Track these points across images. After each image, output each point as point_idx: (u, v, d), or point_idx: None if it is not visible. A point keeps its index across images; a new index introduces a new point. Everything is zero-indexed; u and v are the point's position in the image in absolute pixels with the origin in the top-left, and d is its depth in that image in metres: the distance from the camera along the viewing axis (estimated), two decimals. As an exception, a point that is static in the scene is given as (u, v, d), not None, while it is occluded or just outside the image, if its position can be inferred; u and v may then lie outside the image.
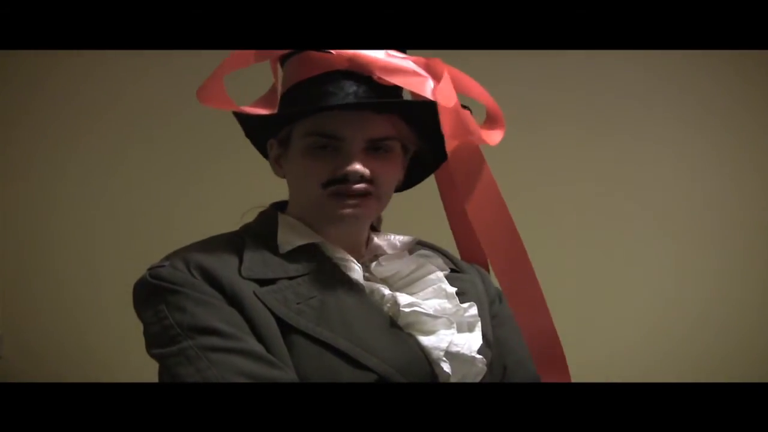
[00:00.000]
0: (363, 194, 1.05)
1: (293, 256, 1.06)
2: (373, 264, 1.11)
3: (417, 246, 1.20)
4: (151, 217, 2.17)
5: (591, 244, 2.09)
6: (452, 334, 1.05)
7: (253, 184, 2.15)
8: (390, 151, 1.08)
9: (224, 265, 1.02)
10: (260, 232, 1.09)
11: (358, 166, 1.02)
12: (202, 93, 1.06)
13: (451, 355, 1.04)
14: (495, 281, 1.21)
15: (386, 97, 1.04)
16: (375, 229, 1.22)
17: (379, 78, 1.04)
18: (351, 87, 1.03)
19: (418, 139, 1.12)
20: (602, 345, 2.05)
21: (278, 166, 1.12)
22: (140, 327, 2.14)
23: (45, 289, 2.17)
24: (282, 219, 1.11)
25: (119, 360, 2.14)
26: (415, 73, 1.05)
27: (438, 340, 1.03)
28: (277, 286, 1.02)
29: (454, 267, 1.18)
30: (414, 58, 1.07)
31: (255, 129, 1.12)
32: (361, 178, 1.04)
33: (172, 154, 2.17)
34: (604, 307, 2.07)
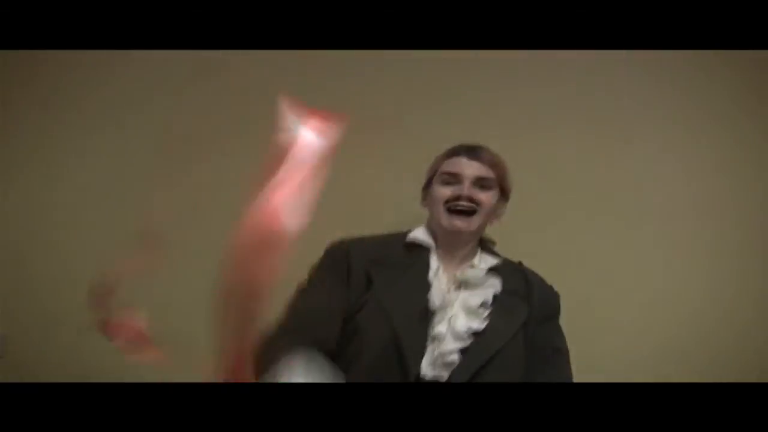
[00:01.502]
0: (470, 212, 1.61)
1: (412, 248, 1.65)
2: (460, 269, 1.63)
3: (504, 266, 1.67)
4: (151, 216, 2.17)
5: (590, 244, 2.09)
6: (453, 313, 1.56)
7: (253, 181, 2.16)
8: (490, 187, 1.63)
9: (364, 251, 1.63)
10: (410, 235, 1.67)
11: (466, 190, 1.60)
12: None
13: (448, 326, 1.54)
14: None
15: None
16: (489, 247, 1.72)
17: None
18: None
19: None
20: (602, 345, 2.05)
21: (425, 202, 1.68)
22: (140, 327, 2.15)
23: (46, 289, 2.17)
24: (421, 227, 1.69)
25: (120, 360, 2.14)
26: None
27: (440, 318, 1.55)
28: (387, 269, 1.60)
29: (508, 288, 1.62)
30: None
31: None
32: (469, 199, 1.60)
33: (172, 155, 2.16)
34: (603, 307, 2.07)
